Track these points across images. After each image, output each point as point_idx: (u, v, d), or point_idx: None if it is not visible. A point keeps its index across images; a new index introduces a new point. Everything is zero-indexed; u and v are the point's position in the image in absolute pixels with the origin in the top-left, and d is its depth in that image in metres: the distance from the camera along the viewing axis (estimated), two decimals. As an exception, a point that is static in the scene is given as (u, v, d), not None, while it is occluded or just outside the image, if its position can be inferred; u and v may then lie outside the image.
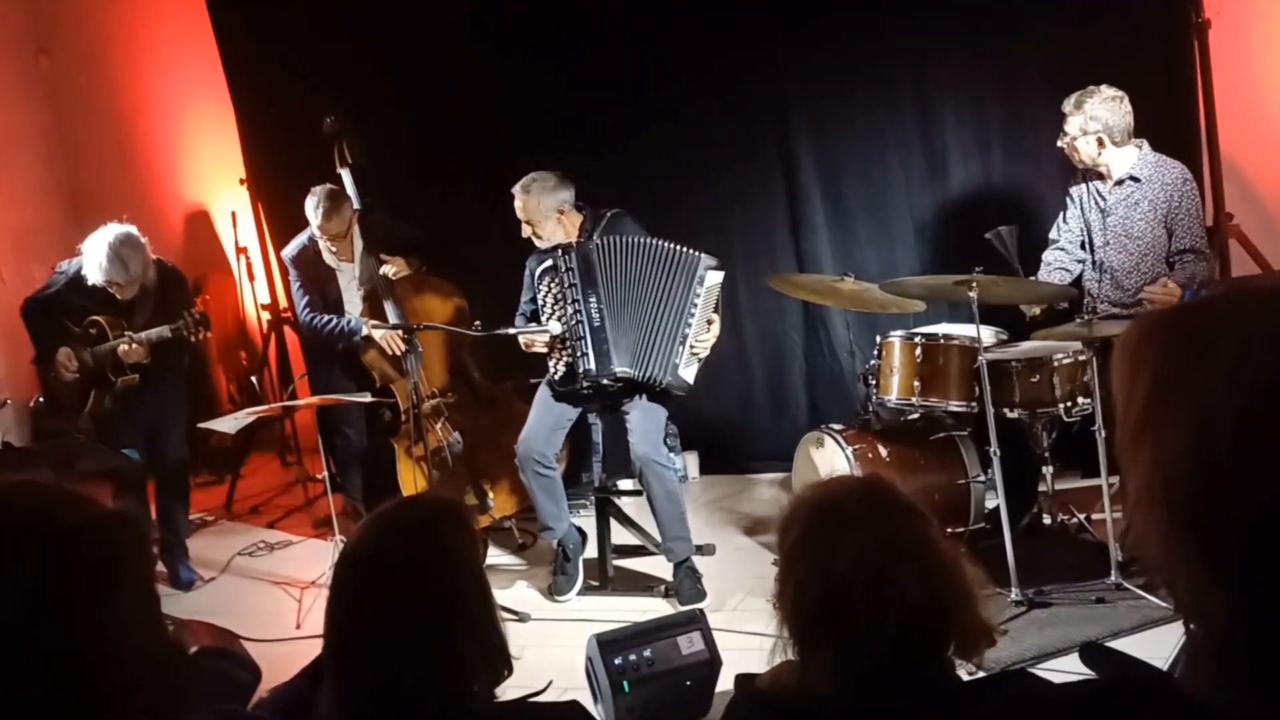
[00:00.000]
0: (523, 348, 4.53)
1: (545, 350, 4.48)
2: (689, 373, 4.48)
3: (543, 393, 4.61)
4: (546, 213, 4.44)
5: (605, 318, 4.37)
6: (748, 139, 5.53)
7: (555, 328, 4.42)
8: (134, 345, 4.84)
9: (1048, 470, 4.34)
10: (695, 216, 5.39)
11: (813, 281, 4.68)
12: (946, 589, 1.63)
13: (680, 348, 4.42)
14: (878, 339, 4.55)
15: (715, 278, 4.46)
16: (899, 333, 4.48)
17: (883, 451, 4.39)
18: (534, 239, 4.49)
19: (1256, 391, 0.96)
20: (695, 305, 4.42)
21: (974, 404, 4.20)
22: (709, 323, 4.49)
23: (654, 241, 4.42)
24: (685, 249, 4.41)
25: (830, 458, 4.44)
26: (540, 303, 4.48)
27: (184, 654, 1.31)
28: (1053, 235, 4.52)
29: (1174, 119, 4.71)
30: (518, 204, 4.46)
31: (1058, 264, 4.45)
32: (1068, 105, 4.20)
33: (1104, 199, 4.31)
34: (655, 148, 5.54)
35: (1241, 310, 1.01)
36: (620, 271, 4.41)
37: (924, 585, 1.61)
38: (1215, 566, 0.98)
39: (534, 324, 4.55)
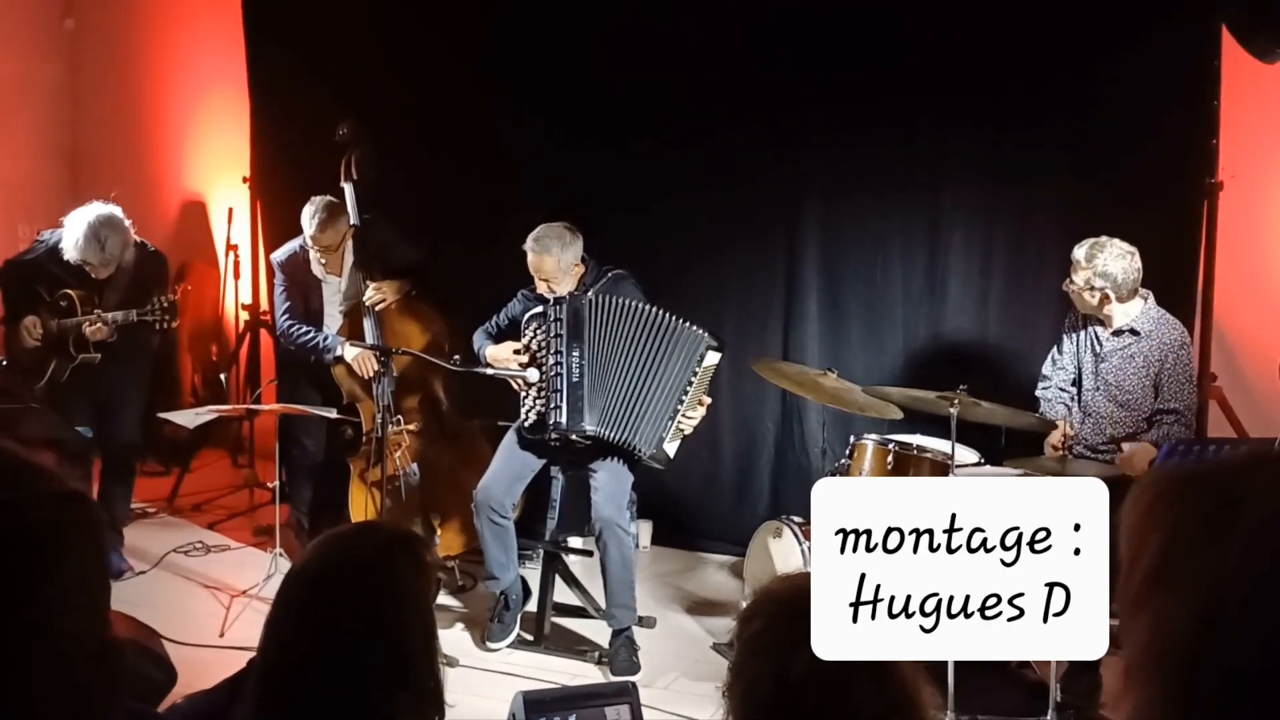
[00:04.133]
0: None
1: (517, 388, 4.44)
2: (672, 448, 4.45)
3: (509, 440, 4.55)
4: (566, 267, 4.40)
5: (585, 375, 4.33)
6: (758, 223, 5.53)
7: (533, 375, 4.38)
8: (99, 325, 4.79)
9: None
10: (693, 289, 5.40)
11: (796, 372, 4.66)
12: (900, 709, 1.59)
13: (669, 423, 4.39)
14: (851, 439, 4.51)
15: (713, 358, 4.44)
16: (874, 436, 4.43)
17: (839, 553, 4.35)
18: (547, 293, 4.43)
19: (1272, 562, 0.94)
20: (691, 383, 4.39)
21: (937, 520, 4.17)
22: (700, 403, 4.46)
23: (655, 310, 4.39)
24: (688, 324, 4.39)
25: (786, 550, 4.39)
26: (524, 346, 4.45)
27: (120, 649, 1.24)
28: (1046, 370, 4.51)
29: (1174, 274, 4.74)
30: (532, 260, 4.39)
31: (1058, 399, 4.44)
32: (1078, 253, 4.18)
33: (1100, 344, 4.29)
34: (665, 215, 5.55)
35: (1264, 478, 0.99)
36: (610, 332, 4.37)
37: (879, 702, 1.57)
38: None
39: (492, 343, 4.53)
